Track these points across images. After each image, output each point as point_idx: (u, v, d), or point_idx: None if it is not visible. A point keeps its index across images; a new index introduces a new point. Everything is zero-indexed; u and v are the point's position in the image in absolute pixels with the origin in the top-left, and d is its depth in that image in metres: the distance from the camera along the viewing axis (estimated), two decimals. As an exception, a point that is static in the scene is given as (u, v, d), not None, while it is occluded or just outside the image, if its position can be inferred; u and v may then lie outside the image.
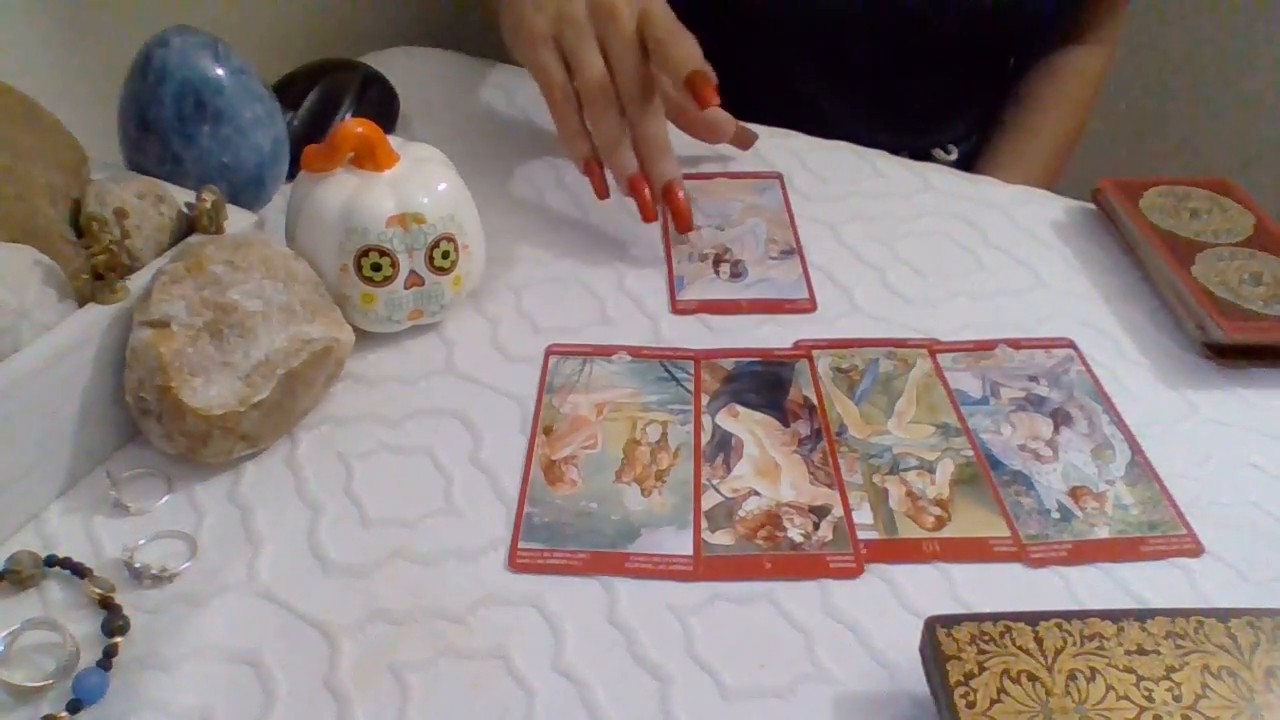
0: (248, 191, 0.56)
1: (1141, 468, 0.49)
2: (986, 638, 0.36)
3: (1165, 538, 0.46)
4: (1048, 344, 0.57)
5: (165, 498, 0.46)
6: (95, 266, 0.45)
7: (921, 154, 0.87)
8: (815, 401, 0.52)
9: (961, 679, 0.35)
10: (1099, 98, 0.89)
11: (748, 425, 0.51)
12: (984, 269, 0.63)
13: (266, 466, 0.48)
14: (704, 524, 0.46)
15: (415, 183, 0.51)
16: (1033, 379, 0.54)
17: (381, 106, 0.71)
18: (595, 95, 0.59)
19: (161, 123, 0.52)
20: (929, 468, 0.49)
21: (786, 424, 0.51)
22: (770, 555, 0.45)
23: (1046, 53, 0.88)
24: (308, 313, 0.49)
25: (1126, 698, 0.35)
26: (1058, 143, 0.86)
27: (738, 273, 0.62)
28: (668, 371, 0.54)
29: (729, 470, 0.49)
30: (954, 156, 0.89)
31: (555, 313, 0.58)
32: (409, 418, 0.51)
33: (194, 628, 0.41)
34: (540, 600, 0.43)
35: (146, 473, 0.47)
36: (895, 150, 0.74)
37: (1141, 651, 0.36)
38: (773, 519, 0.46)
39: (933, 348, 0.56)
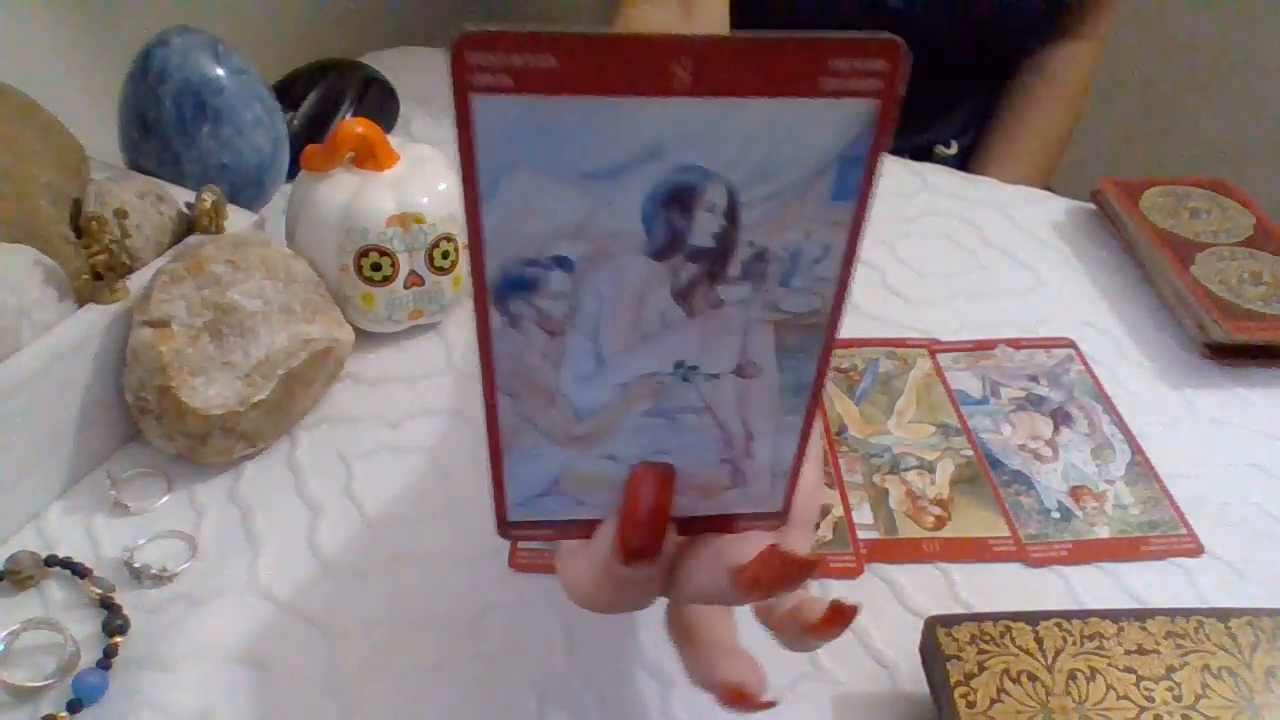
0: (248, 191, 0.56)
1: (1141, 467, 0.49)
2: (986, 638, 0.36)
3: (1165, 538, 0.46)
4: (1048, 344, 0.57)
5: (165, 498, 0.46)
6: (95, 266, 0.45)
7: (922, 151, 0.87)
8: (815, 401, 0.52)
9: (961, 679, 0.35)
10: (1091, 92, 0.89)
11: (748, 425, 0.51)
12: (984, 269, 0.62)
13: (266, 466, 0.48)
14: (704, 524, 0.46)
15: (415, 183, 0.51)
16: (1033, 379, 0.54)
17: (381, 106, 0.71)
18: None
19: (161, 123, 0.52)
20: (929, 467, 0.49)
21: (786, 424, 0.51)
22: (770, 555, 0.45)
23: (1038, 48, 0.88)
24: (308, 313, 0.49)
25: (1126, 698, 0.35)
26: (1051, 137, 0.86)
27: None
28: (668, 371, 0.54)
29: (729, 470, 0.48)
30: (954, 151, 0.89)
31: (555, 313, 0.58)
32: (409, 418, 0.51)
33: (194, 628, 0.41)
34: (540, 600, 0.43)
35: (146, 473, 0.47)
36: (896, 150, 0.74)
37: (1141, 651, 0.36)
38: (773, 519, 0.46)
39: (933, 348, 0.56)
